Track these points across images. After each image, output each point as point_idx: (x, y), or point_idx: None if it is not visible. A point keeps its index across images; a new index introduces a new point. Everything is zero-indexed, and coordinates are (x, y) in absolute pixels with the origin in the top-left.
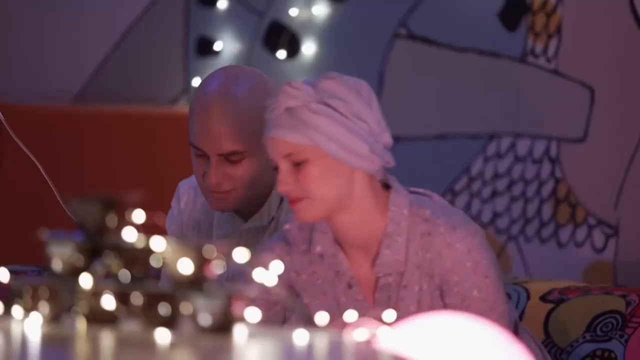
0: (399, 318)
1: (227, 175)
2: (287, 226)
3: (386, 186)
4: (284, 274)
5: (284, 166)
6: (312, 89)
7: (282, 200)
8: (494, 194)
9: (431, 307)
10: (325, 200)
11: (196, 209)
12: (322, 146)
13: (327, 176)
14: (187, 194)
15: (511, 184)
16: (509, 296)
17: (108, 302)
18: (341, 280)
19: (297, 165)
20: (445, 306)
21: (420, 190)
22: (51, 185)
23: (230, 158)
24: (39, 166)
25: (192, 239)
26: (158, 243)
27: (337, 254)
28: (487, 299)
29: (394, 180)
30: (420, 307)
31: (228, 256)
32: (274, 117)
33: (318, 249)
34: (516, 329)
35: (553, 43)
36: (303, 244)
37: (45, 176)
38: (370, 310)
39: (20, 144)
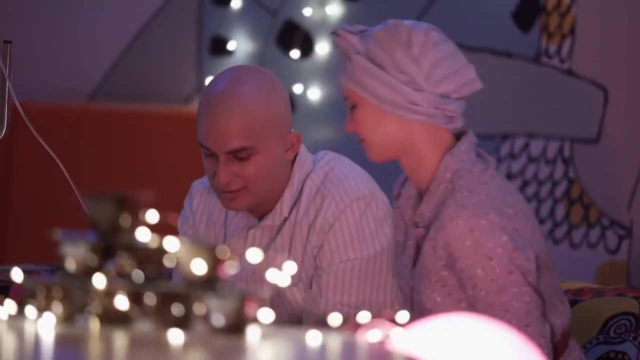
0: (422, 270)
1: (236, 174)
2: None
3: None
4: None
5: (348, 109)
6: (358, 37)
7: (298, 201)
8: None
9: (426, 268)
10: (378, 144)
11: (209, 208)
12: (357, 92)
13: (374, 122)
14: (200, 194)
15: (525, 185)
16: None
17: (121, 302)
18: (410, 224)
19: (352, 108)
20: (451, 276)
21: (487, 163)
22: (71, 183)
23: (238, 155)
24: (60, 165)
25: (205, 239)
26: (171, 243)
27: (412, 199)
28: (495, 280)
29: (467, 141)
30: (420, 264)
31: (241, 256)
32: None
33: (402, 189)
34: (565, 338)
35: (567, 43)
36: (402, 183)
37: (66, 174)
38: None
39: (43, 143)
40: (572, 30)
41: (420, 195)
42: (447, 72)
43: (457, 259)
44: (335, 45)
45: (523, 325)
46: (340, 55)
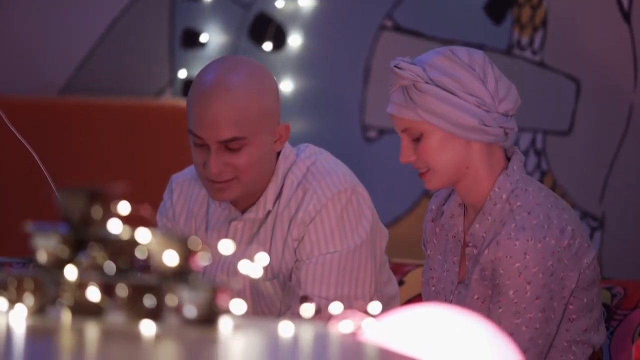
0: (470, 292)
1: (227, 163)
2: None
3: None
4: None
5: (404, 140)
6: (421, 68)
7: (280, 194)
8: None
9: (469, 284)
10: (445, 171)
11: (190, 200)
12: (431, 122)
13: (442, 149)
14: (180, 186)
15: None
16: None
17: (93, 293)
18: (455, 241)
19: (416, 139)
20: (485, 288)
21: (545, 192)
22: (47, 175)
23: (230, 145)
24: (36, 156)
25: (180, 231)
26: (143, 235)
27: (456, 217)
28: (519, 302)
29: (517, 160)
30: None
31: (214, 248)
32: (392, 94)
33: (444, 207)
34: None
35: (539, 35)
36: (444, 200)
37: (42, 166)
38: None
39: (18, 135)
40: (544, 22)
41: (466, 212)
42: (506, 90)
43: (500, 275)
44: (400, 78)
45: (521, 350)
46: (392, 91)
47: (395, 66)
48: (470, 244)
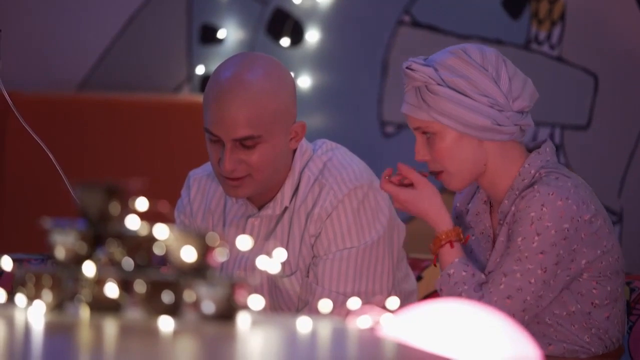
0: (494, 255)
1: (241, 161)
2: None
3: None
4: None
5: (418, 138)
6: (432, 69)
7: (296, 190)
8: None
9: (500, 249)
10: (460, 171)
11: (207, 196)
12: (444, 123)
13: (457, 149)
14: (197, 183)
15: None
16: None
17: (111, 290)
18: (484, 237)
19: (430, 137)
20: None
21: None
22: (61, 173)
23: (245, 143)
24: (50, 154)
25: (197, 227)
26: (161, 231)
27: (482, 214)
28: (523, 250)
29: (550, 145)
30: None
31: (232, 245)
32: (405, 93)
33: (469, 205)
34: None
35: (557, 30)
36: (469, 198)
37: (56, 164)
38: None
39: (32, 132)
40: (562, 17)
41: (492, 210)
42: (521, 87)
43: (516, 221)
44: (412, 80)
45: (506, 296)
46: (406, 90)
47: (407, 67)
48: (501, 222)
